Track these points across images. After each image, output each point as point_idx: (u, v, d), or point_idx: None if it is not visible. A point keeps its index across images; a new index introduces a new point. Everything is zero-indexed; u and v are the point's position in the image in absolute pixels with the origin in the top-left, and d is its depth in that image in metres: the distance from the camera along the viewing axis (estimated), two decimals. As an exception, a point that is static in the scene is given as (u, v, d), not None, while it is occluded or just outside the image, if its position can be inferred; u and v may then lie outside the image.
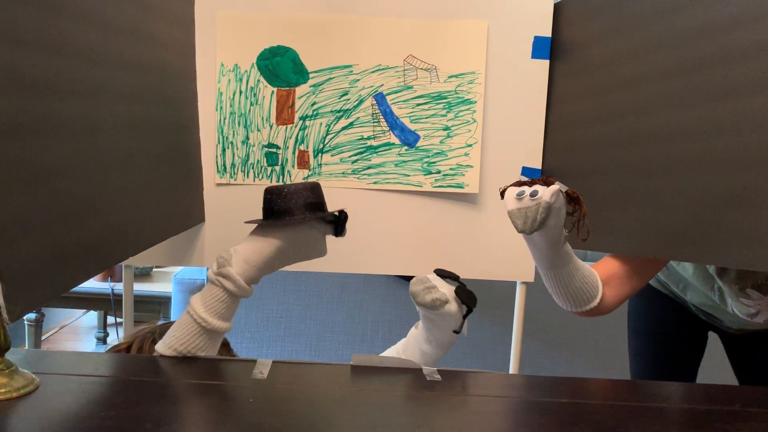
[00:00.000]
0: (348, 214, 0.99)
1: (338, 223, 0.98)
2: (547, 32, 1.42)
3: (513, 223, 0.92)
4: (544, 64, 1.43)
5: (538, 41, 1.42)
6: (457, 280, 1.02)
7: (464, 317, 1.00)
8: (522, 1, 1.42)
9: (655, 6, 1.11)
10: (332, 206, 1.39)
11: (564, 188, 0.92)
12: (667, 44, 1.08)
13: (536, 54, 1.43)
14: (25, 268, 0.66)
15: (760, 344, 1.39)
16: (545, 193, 0.90)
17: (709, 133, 0.98)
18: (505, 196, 0.95)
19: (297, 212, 0.94)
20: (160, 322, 1.13)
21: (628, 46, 1.18)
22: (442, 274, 1.02)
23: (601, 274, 1.12)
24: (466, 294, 0.98)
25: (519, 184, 0.95)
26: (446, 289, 0.98)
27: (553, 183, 0.92)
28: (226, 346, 1.15)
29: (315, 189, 0.97)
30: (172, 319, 1.11)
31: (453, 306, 0.98)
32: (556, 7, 1.42)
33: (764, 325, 1.27)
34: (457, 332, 1.00)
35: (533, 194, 0.90)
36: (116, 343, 1.11)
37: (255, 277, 0.95)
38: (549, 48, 1.42)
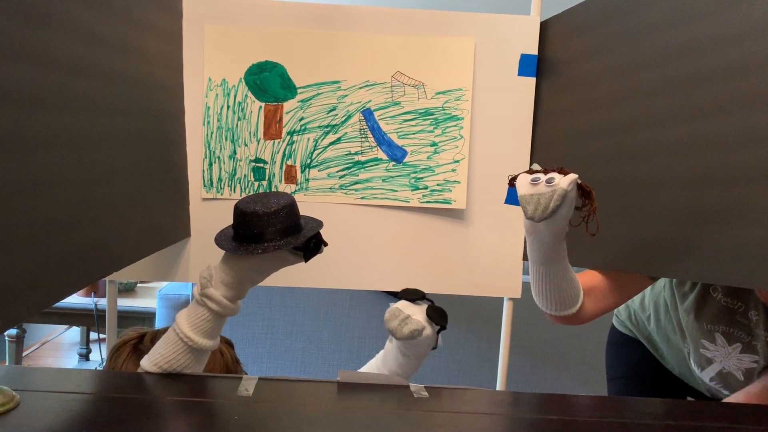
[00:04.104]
0: (322, 240, 0.97)
1: (308, 251, 0.95)
2: (534, 50, 1.43)
3: (523, 209, 0.91)
4: (531, 82, 1.44)
5: (524, 59, 1.44)
6: (424, 297, 1.01)
7: (438, 332, 1.00)
8: (508, 19, 1.43)
9: (640, 25, 1.13)
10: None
11: (579, 180, 0.92)
12: (652, 62, 1.09)
13: (523, 71, 1.44)
14: (5, 283, 0.65)
15: None
16: (563, 180, 0.89)
17: (693, 150, 0.99)
18: (518, 180, 0.94)
19: (269, 237, 0.91)
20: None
21: (614, 64, 1.19)
22: (409, 297, 1.01)
23: (583, 284, 1.12)
24: (438, 314, 0.98)
25: (531, 172, 0.94)
26: (419, 315, 0.97)
27: (568, 172, 0.91)
28: (229, 344, 1.14)
29: (289, 210, 0.94)
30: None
31: (428, 330, 0.97)
32: (543, 25, 1.43)
33: (722, 388, 1.23)
34: (434, 348, 1.00)
35: (549, 181, 0.90)
36: (104, 357, 1.09)
37: (237, 295, 0.94)
38: (535, 65, 1.43)
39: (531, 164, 1.44)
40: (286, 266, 0.98)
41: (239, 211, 0.92)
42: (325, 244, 0.98)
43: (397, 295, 1.01)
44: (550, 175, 0.91)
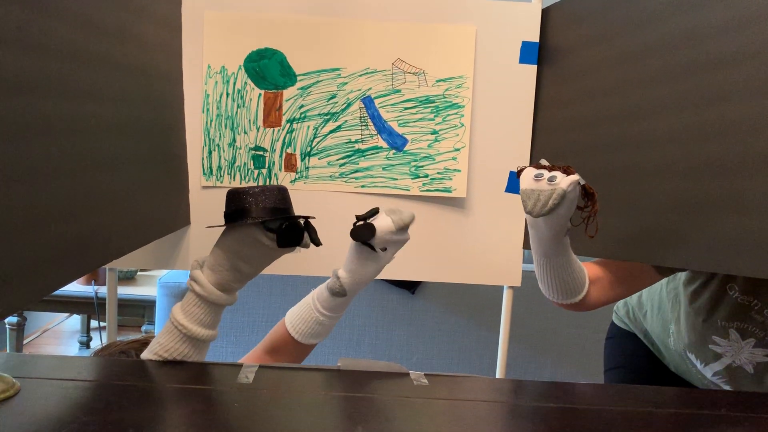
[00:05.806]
0: (304, 229, 0.95)
1: (280, 234, 0.93)
2: (535, 37, 1.42)
3: (523, 203, 0.92)
4: (532, 69, 1.43)
5: (525, 46, 1.43)
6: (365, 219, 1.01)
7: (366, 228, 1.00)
8: (510, 6, 1.43)
9: (642, 13, 1.12)
10: (318, 210, 1.38)
11: (582, 181, 0.92)
12: (654, 51, 1.09)
13: (524, 59, 1.44)
14: (5, 270, 0.65)
15: None
16: (564, 180, 0.90)
17: (695, 138, 0.99)
18: (523, 174, 0.94)
19: (254, 214, 0.92)
20: (143, 327, 1.12)
21: (615, 52, 1.18)
22: (362, 234, 1.00)
23: (590, 273, 1.13)
24: (362, 228, 0.99)
25: (538, 167, 0.95)
26: (383, 222, 1.00)
27: (573, 173, 0.92)
28: None
29: (273, 193, 0.93)
30: (156, 324, 1.10)
31: (388, 224, 0.99)
32: (544, 12, 1.42)
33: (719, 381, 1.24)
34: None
35: (551, 179, 0.90)
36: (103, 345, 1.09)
37: (222, 280, 0.93)
38: (537, 53, 1.43)
39: (531, 154, 1.45)
40: (266, 253, 0.95)
41: (227, 192, 0.96)
42: (317, 244, 0.95)
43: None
44: (553, 173, 0.91)
